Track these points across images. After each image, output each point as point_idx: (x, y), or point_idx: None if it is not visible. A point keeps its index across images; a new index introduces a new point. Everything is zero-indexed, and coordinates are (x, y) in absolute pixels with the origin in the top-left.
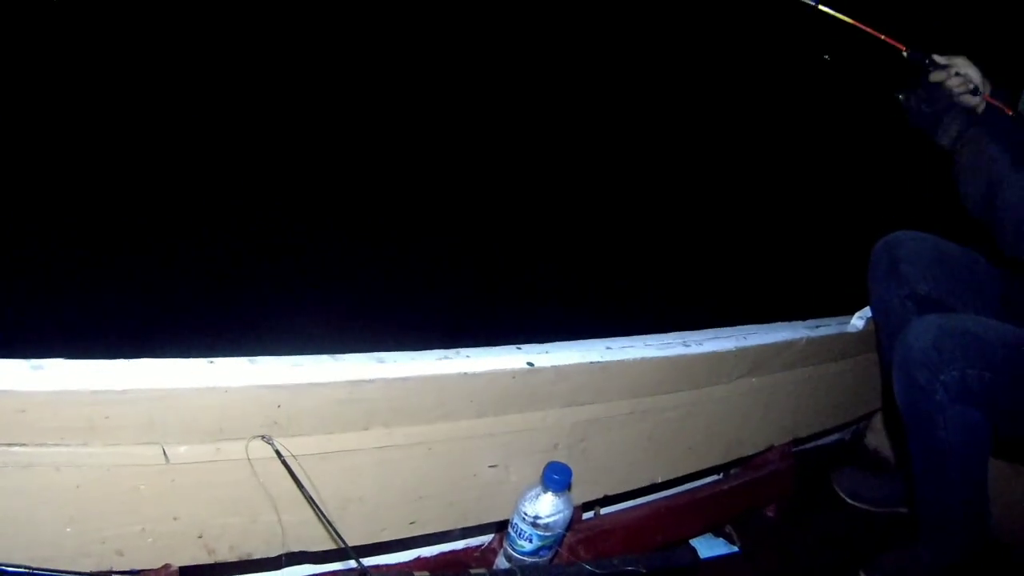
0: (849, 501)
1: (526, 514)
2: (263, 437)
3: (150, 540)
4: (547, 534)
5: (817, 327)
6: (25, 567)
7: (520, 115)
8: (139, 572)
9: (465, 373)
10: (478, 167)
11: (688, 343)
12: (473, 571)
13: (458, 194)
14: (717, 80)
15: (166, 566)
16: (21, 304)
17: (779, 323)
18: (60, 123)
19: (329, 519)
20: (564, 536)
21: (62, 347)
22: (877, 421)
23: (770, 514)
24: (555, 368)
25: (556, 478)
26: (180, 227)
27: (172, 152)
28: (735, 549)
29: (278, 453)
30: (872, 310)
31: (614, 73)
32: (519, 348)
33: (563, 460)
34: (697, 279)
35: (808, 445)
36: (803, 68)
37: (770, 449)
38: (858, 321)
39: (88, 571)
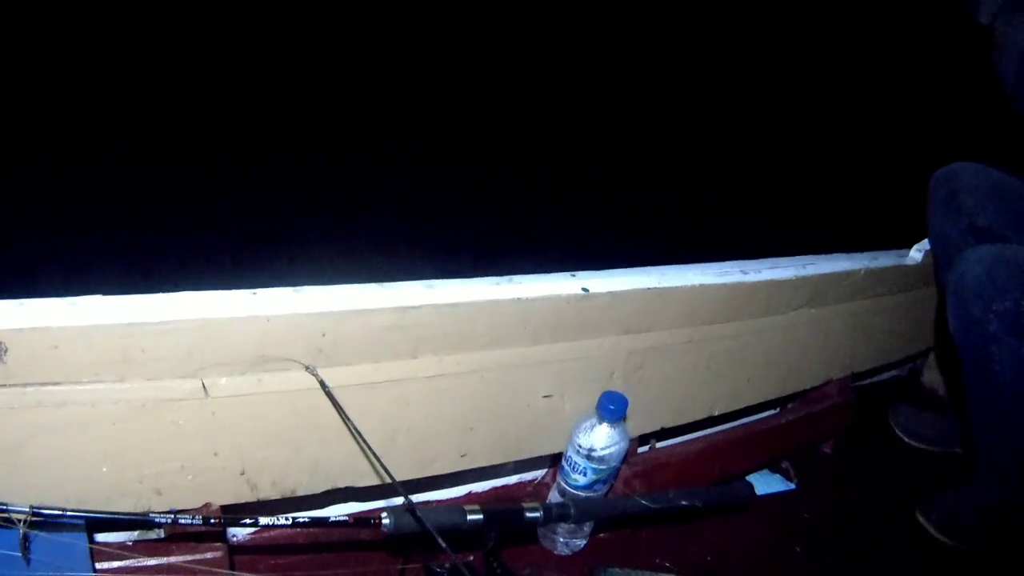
0: (906, 439)
1: (580, 446)
2: (307, 367)
3: (190, 478)
4: (602, 467)
5: (876, 258)
6: (60, 509)
7: (575, 35)
8: (179, 511)
9: (518, 298)
10: (533, 89)
11: (746, 271)
12: (526, 504)
13: (509, 118)
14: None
15: (207, 504)
16: (56, 244)
17: (838, 253)
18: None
19: (376, 452)
20: (619, 470)
21: (97, 286)
22: (935, 358)
23: (827, 450)
24: (610, 294)
25: (612, 408)
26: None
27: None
28: (792, 486)
29: (323, 383)
30: (931, 242)
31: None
32: (573, 275)
33: (619, 390)
34: (756, 210)
35: (866, 380)
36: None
37: (828, 383)
38: (917, 254)
39: (126, 511)
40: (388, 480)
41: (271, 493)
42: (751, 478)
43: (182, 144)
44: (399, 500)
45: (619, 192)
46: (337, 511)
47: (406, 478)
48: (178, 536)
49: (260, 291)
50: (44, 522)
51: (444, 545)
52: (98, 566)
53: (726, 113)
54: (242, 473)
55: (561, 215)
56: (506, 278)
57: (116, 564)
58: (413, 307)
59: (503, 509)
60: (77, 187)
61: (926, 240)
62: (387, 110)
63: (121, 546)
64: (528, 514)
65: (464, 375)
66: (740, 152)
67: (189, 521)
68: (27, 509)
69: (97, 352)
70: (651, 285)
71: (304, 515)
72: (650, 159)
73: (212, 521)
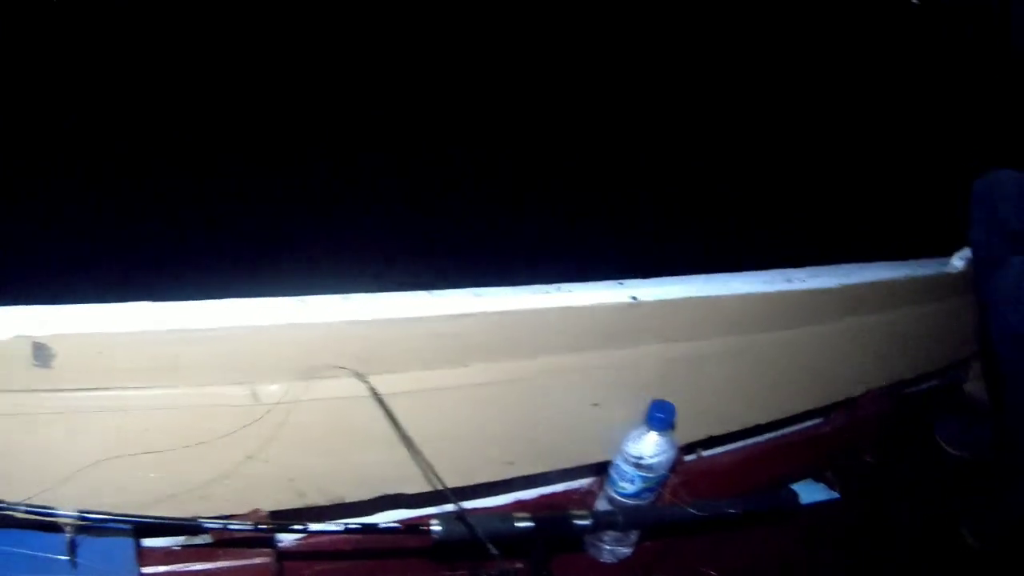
0: (948, 449)
1: (629, 454)
2: (357, 374)
3: (239, 484)
4: (650, 475)
5: (918, 267)
6: (107, 513)
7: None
8: (227, 517)
9: (568, 307)
10: (573, 95)
11: (791, 279)
12: (574, 512)
13: (553, 125)
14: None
15: (255, 510)
16: (100, 250)
17: (880, 262)
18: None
19: (427, 460)
20: (667, 478)
21: (143, 293)
22: (976, 366)
23: (869, 460)
24: (658, 302)
25: (660, 416)
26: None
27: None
28: (835, 495)
29: (373, 391)
30: (971, 250)
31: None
32: (620, 283)
33: (666, 398)
34: (795, 217)
35: (907, 389)
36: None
37: (870, 392)
38: (958, 262)
39: (173, 516)
40: (437, 487)
41: (319, 500)
42: (794, 487)
43: (190, 149)
44: (444, 507)
45: (655, 199)
46: (381, 518)
47: (454, 485)
48: (225, 541)
49: (309, 298)
50: (91, 527)
51: (495, 553)
52: (144, 570)
53: (764, 122)
54: (291, 480)
55: (599, 222)
56: (554, 286)
57: (163, 569)
58: (463, 315)
59: (552, 517)
60: (101, 191)
61: (968, 248)
62: (422, 111)
63: (168, 551)
64: (576, 522)
65: (512, 383)
66: (778, 159)
67: (239, 527)
68: (74, 514)
69: (146, 358)
70: (699, 293)
71: (355, 521)
72: (686, 167)
73: (262, 527)
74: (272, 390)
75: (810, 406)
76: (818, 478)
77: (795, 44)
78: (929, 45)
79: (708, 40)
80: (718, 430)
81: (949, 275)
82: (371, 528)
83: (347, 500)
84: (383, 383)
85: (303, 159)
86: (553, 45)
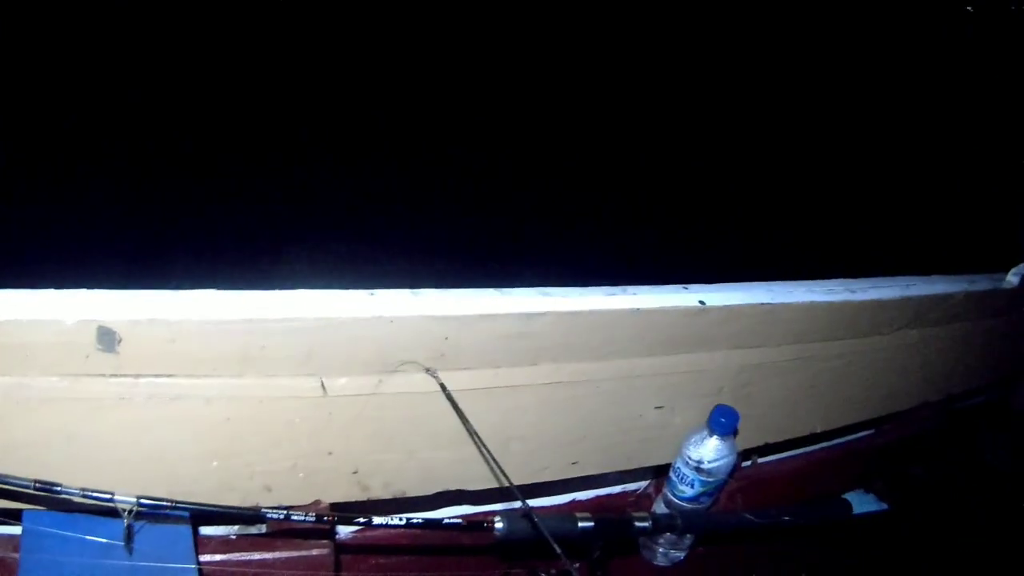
0: (996, 464)
1: (690, 458)
2: (428, 370)
3: (301, 476)
4: (709, 480)
5: (974, 282)
6: (166, 500)
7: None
8: (288, 508)
9: (638, 309)
10: (645, 105)
11: (853, 290)
12: (635, 515)
13: (621, 134)
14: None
15: (317, 502)
16: (172, 238)
17: (936, 275)
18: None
19: (494, 457)
20: (725, 483)
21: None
22: None
23: (919, 472)
24: (725, 308)
25: (723, 421)
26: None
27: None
28: (885, 506)
29: (443, 387)
30: None
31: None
32: (685, 287)
33: (727, 404)
34: (855, 229)
35: (957, 403)
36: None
37: (923, 405)
38: (1013, 278)
39: (234, 505)
40: (502, 485)
41: (382, 494)
42: (846, 496)
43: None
44: (507, 504)
45: (718, 208)
46: (440, 514)
47: (517, 483)
48: (283, 532)
49: (379, 292)
50: (150, 513)
51: (559, 552)
52: (201, 558)
53: (826, 137)
54: (355, 473)
55: (663, 229)
56: (620, 288)
57: (220, 557)
58: (536, 314)
59: (613, 518)
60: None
61: (1023, 265)
62: (496, 116)
63: (224, 540)
64: (637, 524)
65: (580, 384)
66: (839, 172)
67: (302, 518)
68: (133, 500)
69: (215, 347)
70: (764, 301)
71: (417, 516)
72: (750, 178)
73: (325, 519)
74: (341, 383)
75: (865, 417)
76: (869, 489)
77: (867, 64)
78: (987, 56)
79: (793, 59)
80: (776, 437)
81: (1004, 291)
82: (433, 523)
83: (409, 495)
84: (453, 379)
85: (389, 157)
86: (652, 59)
